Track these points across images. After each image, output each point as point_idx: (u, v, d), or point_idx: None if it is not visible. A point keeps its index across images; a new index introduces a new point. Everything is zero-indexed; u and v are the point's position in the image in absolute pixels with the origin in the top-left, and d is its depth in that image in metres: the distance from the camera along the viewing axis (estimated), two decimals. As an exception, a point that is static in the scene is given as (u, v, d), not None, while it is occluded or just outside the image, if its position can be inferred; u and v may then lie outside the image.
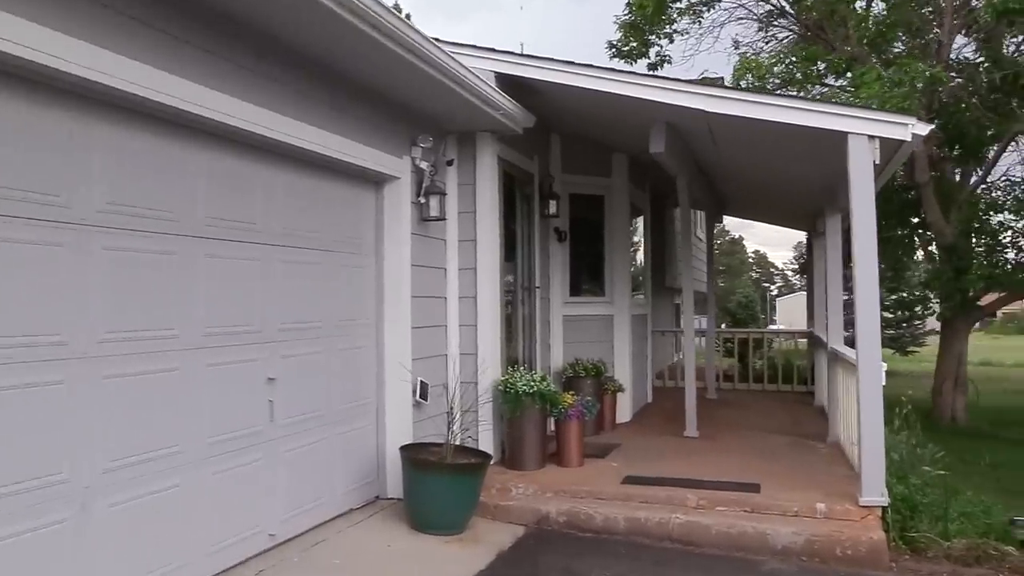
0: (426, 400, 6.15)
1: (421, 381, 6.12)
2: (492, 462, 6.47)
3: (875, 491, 5.31)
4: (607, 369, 8.51)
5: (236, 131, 4.32)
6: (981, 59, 10.94)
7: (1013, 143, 11.68)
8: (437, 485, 5.27)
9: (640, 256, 10.55)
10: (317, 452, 5.24)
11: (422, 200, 6.17)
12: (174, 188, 4.08)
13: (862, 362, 5.36)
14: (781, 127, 5.70)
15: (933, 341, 25.65)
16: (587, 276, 9.19)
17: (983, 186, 12.18)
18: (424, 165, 6.16)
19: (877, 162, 5.38)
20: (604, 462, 6.84)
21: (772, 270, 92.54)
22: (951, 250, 11.11)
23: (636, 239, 10.22)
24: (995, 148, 11.72)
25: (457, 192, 6.75)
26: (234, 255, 4.52)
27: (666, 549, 5.26)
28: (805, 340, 13.08)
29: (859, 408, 5.37)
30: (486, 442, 6.56)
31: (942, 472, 6.39)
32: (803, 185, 8.23)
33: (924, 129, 5.30)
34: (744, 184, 9.26)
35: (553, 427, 6.79)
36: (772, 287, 79.81)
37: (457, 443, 5.70)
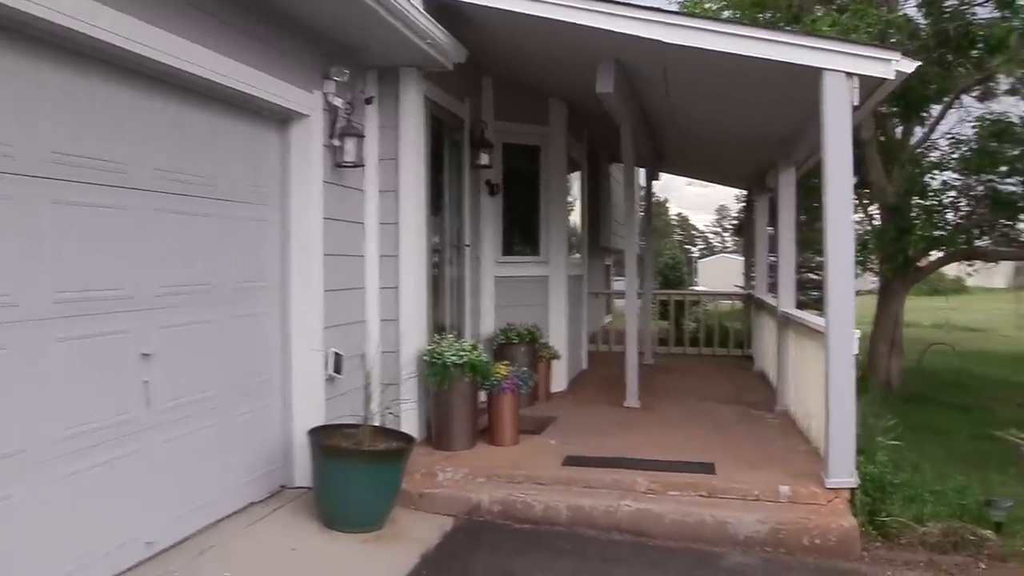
0: (340, 374, 5.36)
1: (335, 352, 5.32)
2: (417, 441, 5.76)
3: (844, 471, 4.79)
4: (542, 335, 7.84)
5: (98, 45, 3.38)
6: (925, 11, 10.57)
7: (957, 101, 11.40)
8: (352, 475, 4.50)
9: (577, 214, 9.87)
10: (207, 440, 4.40)
11: (336, 143, 5.30)
12: (5, 111, 3.14)
13: (833, 329, 4.80)
14: (747, 64, 5.02)
15: (860, 302, 25.94)
16: (521, 234, 8.47)
17: (926, 145, 11.89)
18: (339, 102, 5.29)
19: (856, 104, 4.76)
20: (541, 439, 6.19)
21: (694, 232, 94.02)
22: (895, 210, 10.80)
23: (572, 195, 9.53)
24: (940, 106, 11.41)
25: (378, 136, 5.89)
26: (93, 202, 3.60)
27: (615, 542, 4.65)
28: (735, 302, 12.67)
29: (828, 379, 4.81)
30: (410, 420, 5.82)
31: (896, 442, 6.00)
32: (756, 137, 7.64)
33: (909, 66, 4.69)
34: (691, 138, 8.64)
35: (485, 400, 6.08)
36: (694, 249, 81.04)
37: (376, 423, 4.94)
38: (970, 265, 14.32)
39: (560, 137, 8.30)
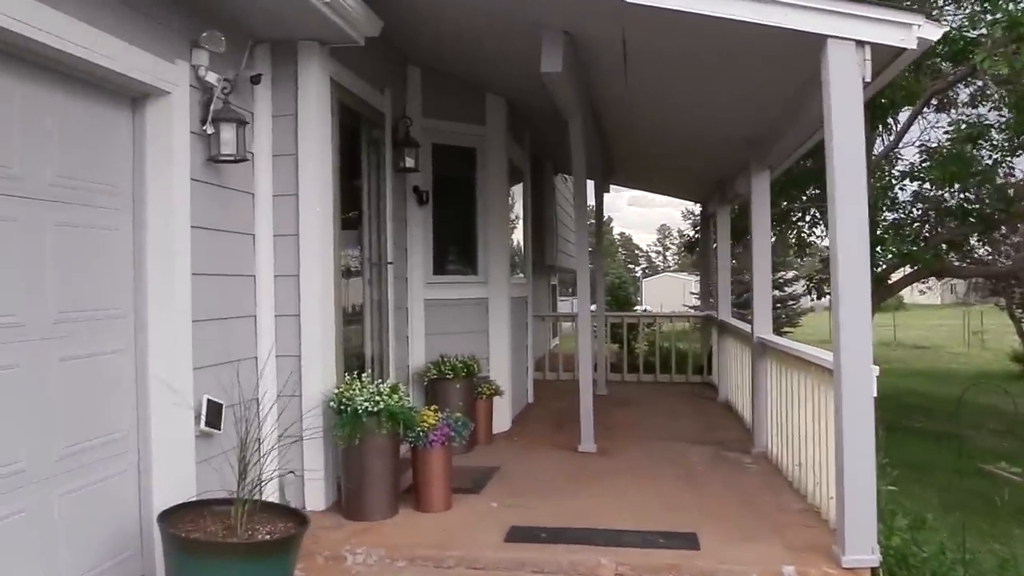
0: (219, 428, 4.14)
1: (209, 401, 4.10)
2: (324, 508, 4.59)
3: (864, 546, 3.76)
4: (481, 367, 6.71)
5: None
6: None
7: (928, 106, 10.69)
8: (218, 577, 3.28)
9: (519, 228, 8.80)
10: (19, 531, 3.14)
11: (210, 130, 4.10)
12: None
13: (847, 365, 3.77)
14: (727, 31, 4.01)
15: (807, 321, 25.50)
16: (456, 249, 7.35)
17: (891, 154, 11.15)
18: (213, 79, 4.10)
19: (868, 79, 3.78)
20: (480, 500, 5.04)
21: (637, 252, 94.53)
22: (862, 223, 9.97)
23: (514, 206, 8.45)
24: (908, 111, 10.69)
25: (271, 126, 4.73)
26: None
27: (576, 651, 3.51)
28: (693, 323, 11.71)
29: (841, 431, 3.78)
30: (314, 484, 4.63)
31: (892, 487, 5.04)
32: (724, 136, 6.67)
33: (934, 32, 3.73)
34: (648, 142, 7.65)
35: (410, 452, 4.91)
36: (637, 269, 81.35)
37: (258, 498, 3.72)
38: (924, 282, 13.65)
39: (499, 138, 7.22)
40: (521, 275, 8.72)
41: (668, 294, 42.77)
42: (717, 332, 9.54)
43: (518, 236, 8.71)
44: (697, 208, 27.07)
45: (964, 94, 11.40)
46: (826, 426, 4.30)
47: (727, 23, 3.94)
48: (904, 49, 3.76)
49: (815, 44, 3.84)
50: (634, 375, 11.10)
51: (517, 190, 8.62)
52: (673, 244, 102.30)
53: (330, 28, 4.48)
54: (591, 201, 10.09)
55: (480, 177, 7.17)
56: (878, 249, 9.50)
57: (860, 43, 3.75)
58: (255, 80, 4.49)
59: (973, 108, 11.08)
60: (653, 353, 11.17)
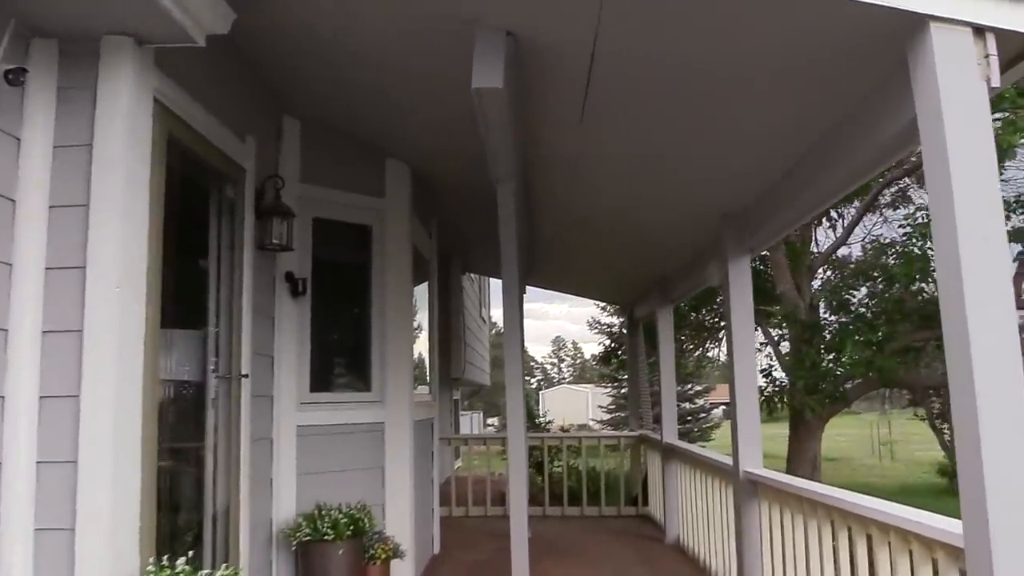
0: None
1: None
2: None
3: None
4: (374, 518, 4.90)
5: None
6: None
7: (880, 196, 9.86)
8: None
9: (425, 333, 7.17)
10: None
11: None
12: None
13: (997, 544, 2.25)
14: (758, 16, 2.65)
15: (719, 434, 24.41)
16: (343, 358, 5.66)
17: (837, 250, 10.25)
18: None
19: (996, 83, 2.44)
20: None
21: (532, 364, 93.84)
22: (815, 328, 8.86)
23: (418, 305, 6.83)
24: (856, 204, 9.84)
25: (49, 159, 3.02)
26: None
27: None
28: (624, 443, 10.14)
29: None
30: None
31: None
32: (696, 207, 5.27)
33: (1090, 17, 2.45)
34: (591, 218, 6.19)
35: None
36: (532, 380, 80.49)
37: None
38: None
39: (402, 214, 5.66)
40: (426, 390, 7.03)
41: (569, 407, 41.43)
42: (661, 457, 8.00)
43: (422, 343, 7.06)
44: (605, 316, 26.24)
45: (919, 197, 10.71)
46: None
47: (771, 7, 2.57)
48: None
49: (906, 29, 2.51)
50: (557, 507, 9.35)
51: (421, 289, 7.02)
52: (568, 356, 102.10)
53: (152, 13, 2.89)
54: (496, 306, 8.52)
55: (377, 264, 5.54)
56: (834, 357, 8.33)
57: (980, 29, 2.43)
58: (13, 79, 2.79)
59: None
60: (577, 479, 9.50)
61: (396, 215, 5.64)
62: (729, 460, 5.54)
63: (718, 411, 26.43)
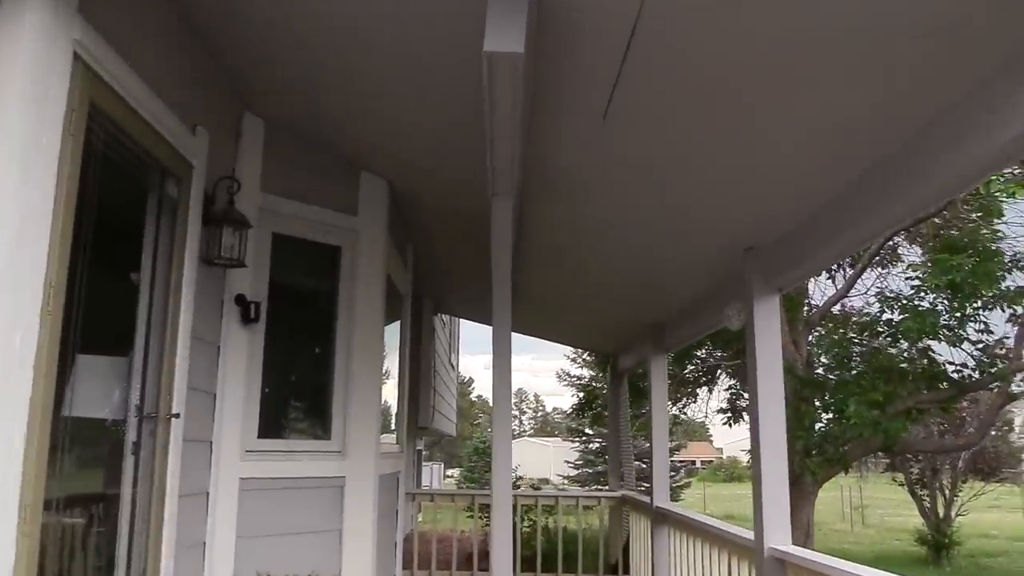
0: None
1: None
2: None
3: None
4: (328, 593, 4.07)
5: None
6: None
7: (883, 248, 9.37)
8: None
9: (394, 376, 6.39)
10: None
11: None
12: None
13: None
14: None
15: (688, 494, 23.61)
16: (299, 400, 4.86)
17: (843, 302, 9.71)
18: None
19: None
20: None
21: (487, 414, 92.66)
22: (815, 385, 8.25)
23: (388, 344, 6.05)
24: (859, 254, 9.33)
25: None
26: None
27: None
28: (604, 504, 9.33)
29: None
30: None
31: None
32: (717, 237, 4.60)
33: None
34: (591, 249, 5.47)
35: None
36: (488, 430, 79.41)
37: None
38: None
39: (377, 238, 4.94)
40: (392, 439, 6.24)
41: (531, 460, 40.34)
42: (651, 522, 7.22)
43: (390, 388, 6.28)
44: (575, 368, 25.38)
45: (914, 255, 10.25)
46: None
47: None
48: None
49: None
50: (530, 574, 8.48)
51: (392, 328, 6.25)
52: (529, 408, 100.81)
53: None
54: (464, 352, 7.72)
55: (345, 292, 4.79)
56: (834, 416, 7.70)
57: None
58: None
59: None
60: (549, 540, 8.65)
61: (370, 237, 4.91)
62: (739, 530, 4.85)
63: (683, 471, 25.69)
